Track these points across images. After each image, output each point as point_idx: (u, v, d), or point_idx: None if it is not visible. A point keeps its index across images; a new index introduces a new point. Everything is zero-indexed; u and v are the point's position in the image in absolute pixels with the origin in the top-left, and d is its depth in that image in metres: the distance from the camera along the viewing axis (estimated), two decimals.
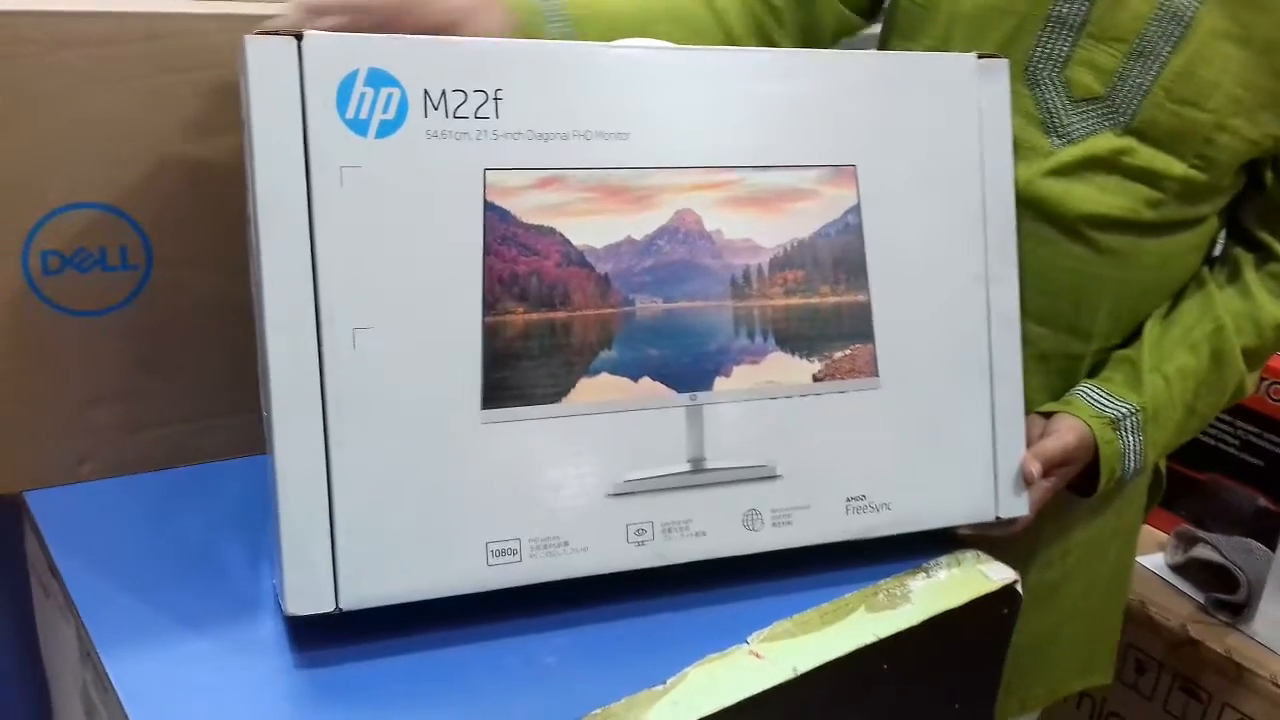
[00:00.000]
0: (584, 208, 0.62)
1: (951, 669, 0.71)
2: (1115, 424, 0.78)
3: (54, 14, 0.62)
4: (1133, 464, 0.80)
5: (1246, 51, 0.75)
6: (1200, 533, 1.27)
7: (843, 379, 0.68)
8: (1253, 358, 0.83)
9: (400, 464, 0.58)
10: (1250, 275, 0.83)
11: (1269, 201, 0.82)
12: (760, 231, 0.66)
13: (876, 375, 0.68)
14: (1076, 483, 0.80)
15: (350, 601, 0.58)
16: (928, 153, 0.69)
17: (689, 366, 0.64)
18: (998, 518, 0.72)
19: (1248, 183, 0.82)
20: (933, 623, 0.66)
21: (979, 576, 0.71)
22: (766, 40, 0.87)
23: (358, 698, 0.57)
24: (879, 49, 0.88)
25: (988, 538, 0.74)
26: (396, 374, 0.58)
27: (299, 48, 0.56)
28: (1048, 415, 0.79)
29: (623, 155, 0.62)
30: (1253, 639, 1.16)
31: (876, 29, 0.93)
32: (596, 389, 0.62)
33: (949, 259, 0.70)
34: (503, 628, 0.62)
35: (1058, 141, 0.78)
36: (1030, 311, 0.77)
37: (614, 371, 0.62)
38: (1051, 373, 0.82)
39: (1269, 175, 0.81)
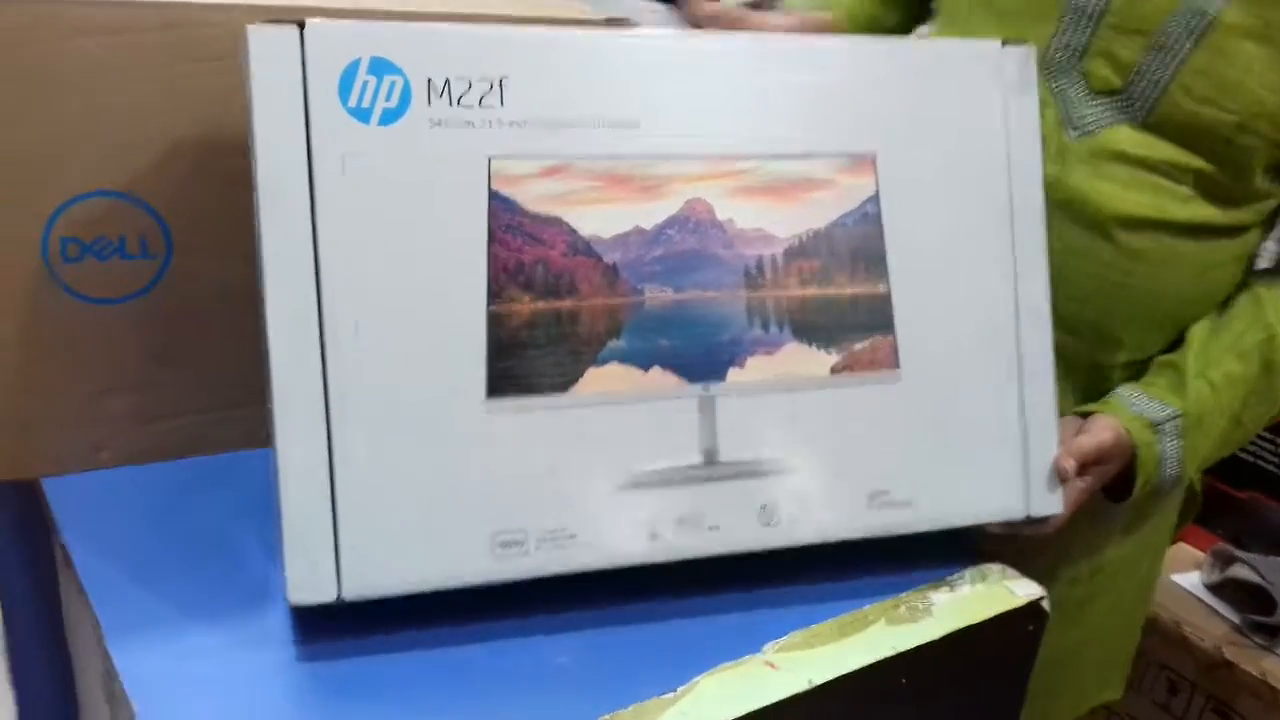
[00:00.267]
0: (591, 197, 0.61)
1: (973, 686, 0.68)
2: (1155, 427, 0.75)
3: (71, 1, 0.62)
4: (1171, 470, 0.76)
5: (1271, 51, 0.71)
6: (1238, 552, 1.23)
7: (862, 371, 0.66)
8: None
9: (404, 453, 0.58)
10: None
11: None
12: (774, 221, 0.64)
13: (897, 368, 0.66)
14: (1110, 486, 0.76)
15: (353, 591, 0.57)
16: (950, 141, 0.67)
17: (701, 357, 0.63)
18: (1029, 516, 0.69)
19: None
20: (954, 638, 0.64)
21: (1004, 591, 0.68)
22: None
23: (363, 696, 0.57)
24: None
25: (1018, 542, 0.71)
26: (400, 363, 0.58)
27: (301, 36, 0.56)
28: (1084, 416, 0.76)
29: (631, 144, 0.61)
30: None
31: None
32: (605, 379, 0.61)
33: (973, 250, 0.68)
34: (514, 627, 0.61)
35: (1074, 134, 0.75)
36: (1054, 316, 0.73)
37: (623, 361, 0.61)
38: (1077, 382, 0.79)
39: None
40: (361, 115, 0.57)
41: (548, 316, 0.60)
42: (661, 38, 0.64)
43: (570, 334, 0.61)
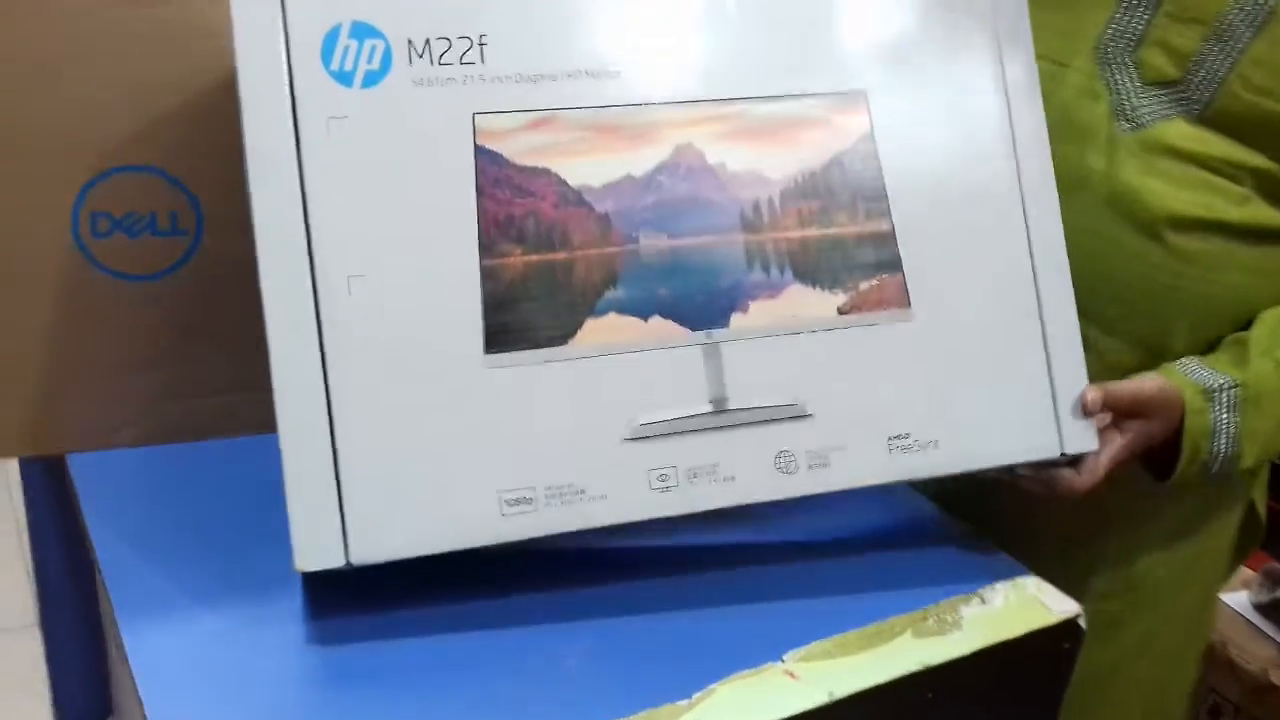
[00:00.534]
0: (579, 147, 0.61)
1: (1003, 705, 0.64)
2: (1209, 394, 0.70)
3: None
4: (1222, 446, 0.70)
5: None
6: None
7: (871, 311, 0.64)
8: None
9: (404, 412, 0.57)
10: None
11: None
12: (768, 163, 0.63)
13: (909, 306, 0.64)
14: (1155, 461, 0.72)
15: (361, 555, 0.56)
16: (943, 72, 0.66)
17: (702, 304, 0.62)
18: (1063, 454, 0.66)
19: None
20: (985, 654, 0.61)
21: (1038, 606, 0.64)
22: None
23: (371, 687, 0.55)
24: None
25: (1054, 495, 0.67)
26: (395, 321, 0.57)
27: (283, 4, 0.57)
28: None
29: (616, 93, 0.61)
30: None
31: None
32: (604, 330, 0.60)
33: (977, 182, 0.66)
34: (527, 621, 0.60)
35: (1125, 126, 0.72)
36: (1099, 319, 0.71)
37: (621, 311, 0.60)
38: None
39: None
40: (344, 78, 0.58)
41: (542, 269, 0.60)
42: None
43: (566, 285, 0.60)
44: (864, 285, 0.64)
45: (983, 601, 0.64)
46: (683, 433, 0.61)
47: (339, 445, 0.56)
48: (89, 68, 0.64)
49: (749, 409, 0.61)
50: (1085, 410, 0.66)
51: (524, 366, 0.59)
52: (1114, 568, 0.79)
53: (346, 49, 0.58)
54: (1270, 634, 1.16)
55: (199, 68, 0.65)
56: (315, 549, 0.56)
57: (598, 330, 0.60)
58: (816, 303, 0.63)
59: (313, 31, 0.57)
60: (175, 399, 0.71)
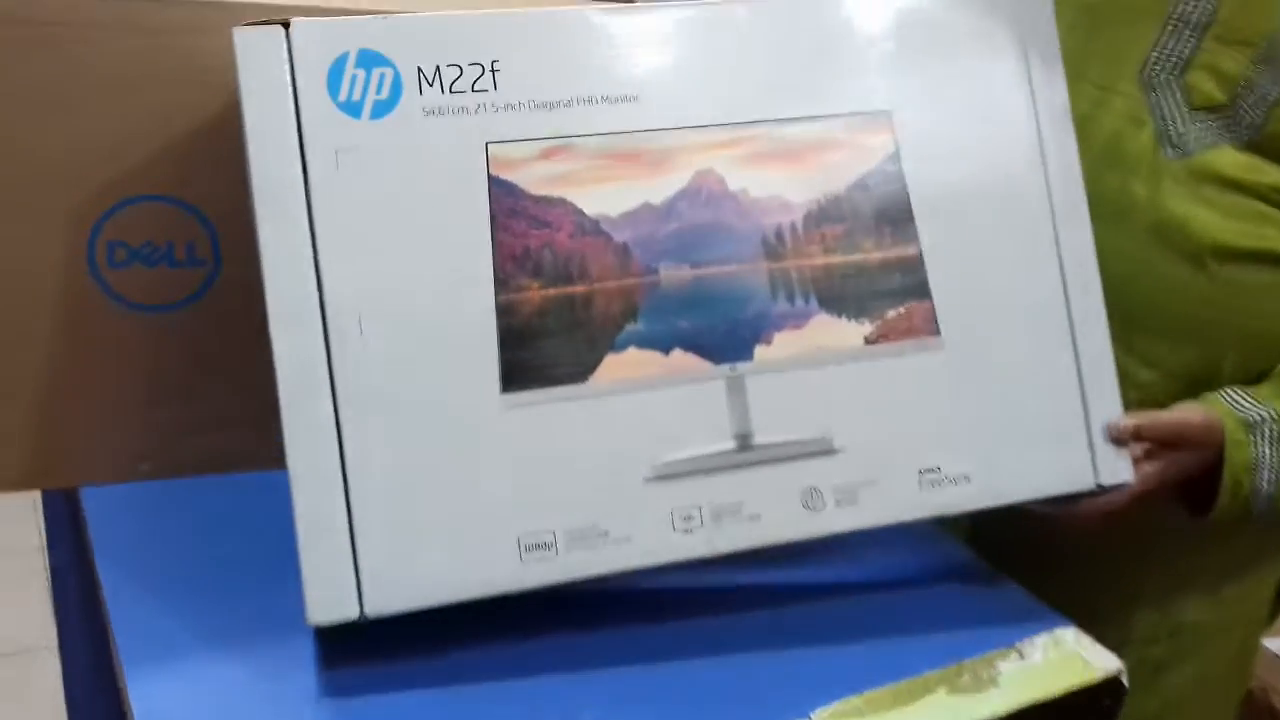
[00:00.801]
0: (595, 175, 0.58)
1: None
2: (1250, 427, 0.67)
3: None
4: (1266, 482, 0.67)
5: None
6: None
7: (899, 340, 0.62)
8: None
9: (419, 456, 0.55)
10: None
11: None
12: (790, 187, 0.61)
13: (938, 334, 0.62)
14: (1193, 497, 0.69)
15: (376, 607, 0.54)
16: (970, 91, 0.64)
17: (725, 335, 0.59)
18: (1099, 485, 0.64)
19: None
20: (1023, 714, 0.58)
21: (1079, 662, 0.61)
22: None
23: None
24: None
25: (1073, 520, 0.65)
26: (409, 361, 0.55)
27: (287, 35, 0.55)
28: None
29: (632, 118, 0.59)
30: None
31: None
32: (624, 365, 0.58)
33: (1006, 200, 0.64)
34: (543, 669, 0.58)
35: (1171, 153, 0.69)
36: (1138, 351, 0.69)
37: (642, 345, 0.58)
38: None
39: None
40: (352, 109, 0.55)
41: (559, 302, 0.57)
42: (653, 8, 0.62)
43: (584, 320, 0.58)
44: (891, 313, 0.62)
45: (1020, 656, 0.61)
46: (707, 471, 0.58)
47: (352, 493, 0.54)
48: (105, 96, 0.63)
49: (775, 445, 0.59)
50: (1117, 439, 0.64)
51: (542, 405, 0.57)
52: (1155, 608, 0.76)
53: (354, 78, 0.55)
54: None
55: (219, 95, 0.63)
56: (329, 601, 0.54)
57: (618, 366, 0.58)
58: (843, 333, 0.61)
59: (318, 61, 0.55)
60: (192, 432, 0.69)
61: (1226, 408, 0.68)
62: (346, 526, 0.54)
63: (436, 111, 0.56)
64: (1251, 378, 0.70)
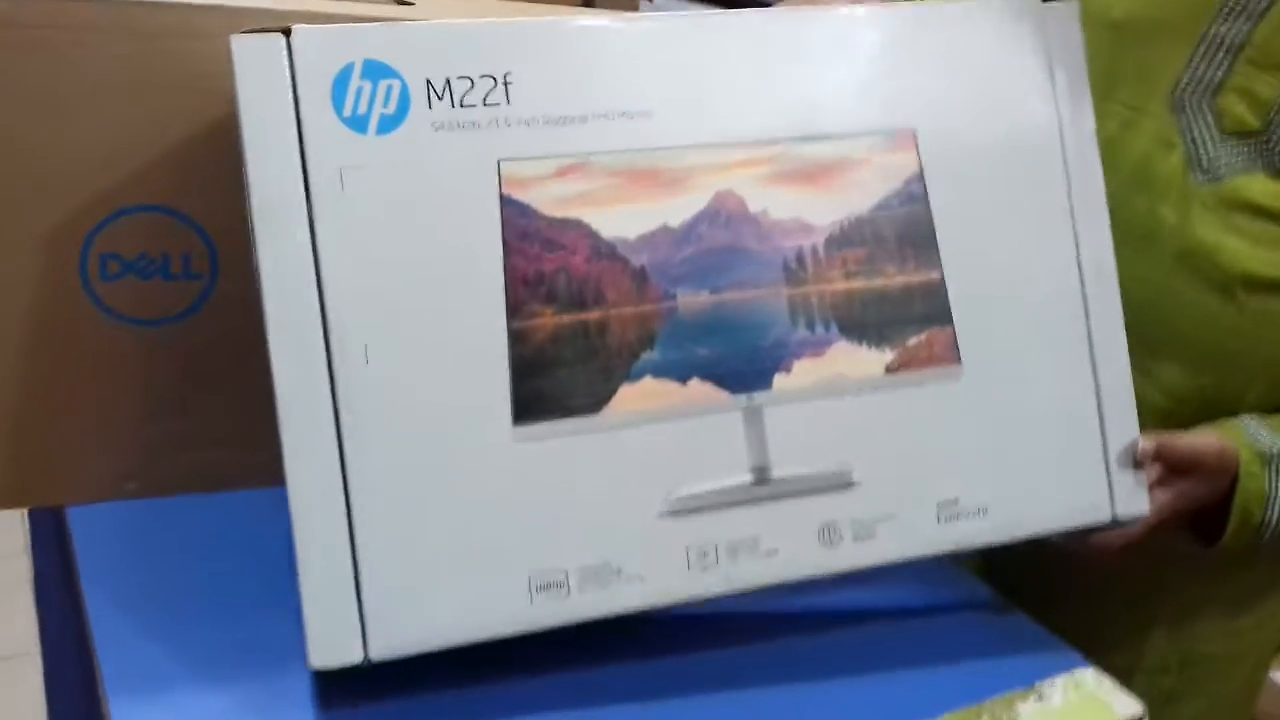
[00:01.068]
0: (611, 195, 0.56)
1: None
2: (1266, 460, 0.66)
3: (125, 2, 0.59)
4: (1275, 515, 0.66)
5: None
6: None
7: (920, 368, 0.60)
8: None
9: (427, 491, 0.52)
10: None
11: None
12: (811, 209, 0.59)
13: (958, 362, 0.61)
14: (1202, 526, 0.68)
15: (381, 650, 0.52)
16: (994, 106, 0.62)
17: (743, 364, 0.57)
18: (1115, 518, 0.63)
19: None
20: None
21: (1100, 705, 0.60)
22: None
23: None
24: None
25: (1102, 561, 0.64)
26: (416, 390, 0.52)
27: (288, 44, 0.51)
28: None
29: (649, 135, 0.56)
30: None
31: None
32: (640, 395, 0.55)
33: (1029, 222, 0.62)
34: (555, 706, 0.56)
35: (1201, 178, 0.68)
36: (1161, 381, 0.68)
37: (658, 375, 0.56)
38: None
39: None
40: (358, 124, 0.52)
41: (574, 330, 0.55)
42: (672, 20, 0.59)
43: (600, 348, 0.55)
44: (912, 341, 0.60)
45: (1040, 699, 0.60)
46: (723, 506, 0.56)
47: (356, 530, 0.51)
48: (99, 103, 0.60)
49: (792, 478, 0.57)
50: (1135, 462, 0.63)
51: (555, 438, 0.54)
52: (1165, 638, 0.75)
53: (359, 91, 0.52)
54: None
55: (217, 102, 0.59)
56: (331, 644, 0.51)
57: (633, 396, 0.55)
58: (863, 361, 0.59)
59: (322, 72, 0.52)
60: (184, 449, 0.66)
61: (1244, 438, 0.67)
62: (350, 565, 0.51)
63: (446, 126, 0.53)
64: (1274, 408, 0.69)
